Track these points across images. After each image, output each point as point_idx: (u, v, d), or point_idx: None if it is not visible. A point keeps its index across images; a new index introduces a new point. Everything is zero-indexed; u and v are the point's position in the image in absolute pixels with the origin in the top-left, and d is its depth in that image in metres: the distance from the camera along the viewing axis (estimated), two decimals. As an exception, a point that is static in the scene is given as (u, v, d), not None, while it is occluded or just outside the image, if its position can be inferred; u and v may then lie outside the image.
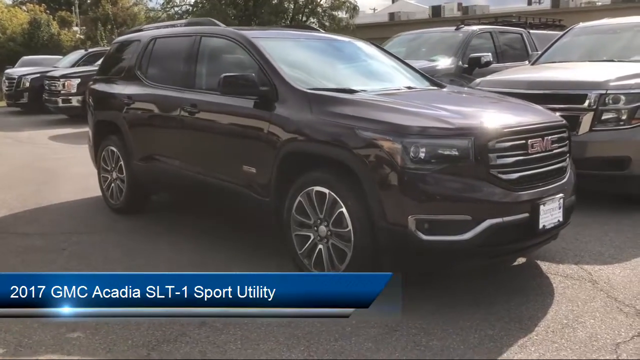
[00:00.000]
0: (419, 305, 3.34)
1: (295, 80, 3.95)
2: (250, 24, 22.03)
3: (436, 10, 35.48)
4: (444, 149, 3.19)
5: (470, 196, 3.19)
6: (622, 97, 5.20)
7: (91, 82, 6.21)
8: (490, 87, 5.61)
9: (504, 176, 3.28)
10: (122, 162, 5.41)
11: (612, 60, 6.28)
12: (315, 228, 3.62)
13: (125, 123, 5.27)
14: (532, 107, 3.99)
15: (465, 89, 4.61)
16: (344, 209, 3.41)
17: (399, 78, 4.64)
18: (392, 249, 3.30)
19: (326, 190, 3.50)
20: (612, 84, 5.26)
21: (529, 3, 45.13)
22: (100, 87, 5.90)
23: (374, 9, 49.65)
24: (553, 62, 6.75)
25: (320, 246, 3.61)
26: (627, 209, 5.27)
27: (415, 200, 3.17)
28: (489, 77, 6.32)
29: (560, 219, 3.55)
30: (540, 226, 3.39)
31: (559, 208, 3.53)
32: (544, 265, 4.01)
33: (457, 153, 3.19)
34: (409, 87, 4.37)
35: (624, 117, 5.17)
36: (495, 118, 3.50)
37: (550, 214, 3.45)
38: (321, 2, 23.50)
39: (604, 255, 4.21)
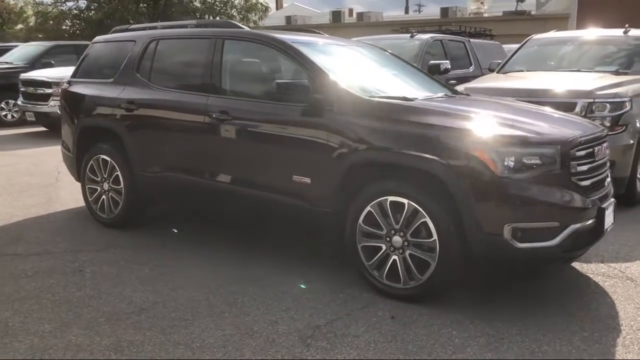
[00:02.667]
0: (500, 312, 3.41)
1: (351, 88, 3.85)
2: (162, 20, 21.17)
3: (336, 16, 36.13)
4: (535, 157, 3.26)
5: (558, 203, 3.29)
6: (608, 105, 5.61)
7: (66, 85, 5.66)
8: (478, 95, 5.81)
9: (581, 183, 3.42)
10: (118, 173, 4.99)
11: (579, 71, 6.75)
12: (388, 239, 3.56)
13: (127, 130, 4.86)
14: (573, 117, 4.18)
15: (492, 97, 4.73)
16: (427, 219, 3.38)
17: (431, 85, 4.67)
18: (486, 258, 3.32)
19: (404, 200, 3.46)
20: (598, 92, 5.65)
21: (406, 12, 47.36)
22: (82, 90, 5.40)
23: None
24: (521, 71, 7.13)
25: (394, 257, 3.55)
26: (630, 210, 5.66)
27: (511, 209, 3.22)
28: (471, 85, 6.54)
29: (612, 221, 3.76)
30: (605, 229, 3.58)
31: (613, 211, 3.74)
32: (577, 266, 4.22)
33: (546, 161, 3.28)
34: (447, 95, 4.41)
35: (608, 124, 5.56)
36: (568, 127, 3.64)
37: (609, 217, 3.65)
38: (235, 3, 23.11)
39: (621, 253, 4.50)
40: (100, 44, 5.59)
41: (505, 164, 3.21)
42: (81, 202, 5.94)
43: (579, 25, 23.52)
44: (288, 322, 3.29)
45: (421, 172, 3.40)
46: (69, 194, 6.41)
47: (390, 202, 3.51)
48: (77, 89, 5.46)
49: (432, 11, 49.88)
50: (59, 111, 11.13)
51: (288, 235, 4.59)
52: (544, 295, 3.71)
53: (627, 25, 7.23)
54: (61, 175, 7.45)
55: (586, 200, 3.41)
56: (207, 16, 23.78)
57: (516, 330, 3.20)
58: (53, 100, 11.20)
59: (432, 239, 3.38)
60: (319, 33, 5.26)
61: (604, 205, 3.54)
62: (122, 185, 4.99)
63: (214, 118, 4.28)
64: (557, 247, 3.29)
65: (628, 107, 5.65)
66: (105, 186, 5.13)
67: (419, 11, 54.74)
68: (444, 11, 35.29)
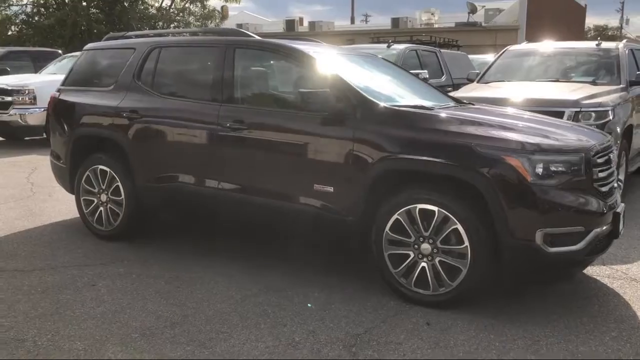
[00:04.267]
0: (528, 315, 3.51)
1: (373, 96, 3.90)
2: (116, 28, 20.67)
3: (290, 25, 36.22)
4: (563, 164, 3.38)
5: (583, 208, 3.42)
6: (593, 114, 5.86)
7: (56, 93, 5.47)
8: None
9: (601, 189, 3.57)
10: (118, 184, 4.85)
11: (558, 81, 7.03)
12: (416, 246, 3.61)
13: (130, 139, 4.74)
14: (584, 126, 4.36)
15: (499, 107, 4.85)
16: (459, 226, 3.44)
17: (437, 94, 4.77)
18: (518, 263, 3.41)
19: (434, 208, 3.51)
20: (583, 102, 5.90)
21: (352, 21, 48.02)
22: (76, 98, 5.23)
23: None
24: (501, 81, 7.35)
25: (423, 264, 3.60)
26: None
27: (543, 214, 3.32)
28: (458, 95, 6.69)
29: (623, 226, 3.93)
30: (619, 232, 3.74)
31: (624, 215, 3.91)
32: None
33: (572, 168, 3.41)
34: (458, 104, 4.51)
35: (593, 132, 5.79)
36: (586, 136, 3.78)
37: (623, 221, 3.81)
38: (193, 10, 22.83)
39: (618, 256, 4.69)
40: (93, 52, 5.43)
41: (537, 171, 3.32)
42: (67, 215, 5.79)
43: (528, 36, 24.42)
44: (327, 331, 3.28)
45: (453, 179, 3.47)
46: (51, 207, 6.19)
47: (420, 209, 3.56)
48: (70, 97, 5.28)
49: (379, 22, 50.77)
50: (20, 120, 10.92)
51: (302, 245, 4.56)
52: (562, 298, 3.82)
53: (598, 39, 7.57)
54: (36, 188, 7.20)
55: (605, 206, 3.55)
56: (161, 23, 23.40)
57: (549, 332, 3.30)
58: (14, 108, 10.77)
59: (464, 246, 3.45)
60: (317, 42, 5.29)
61: (618, 210, 3.70)
62: (122, 196, 4.85)
63: (227, 127, 4.23)
64: (582, 251, 3.42)
65: (611, 116, 5.91)
66: (103, 197, 4.98)
67: (366, 21, 55.67)
68: (395, 21, 35.84)
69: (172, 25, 22.46)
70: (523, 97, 6.16)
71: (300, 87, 4.12)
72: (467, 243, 3.43)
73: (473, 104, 4.72)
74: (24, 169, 8.51)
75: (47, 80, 11.19)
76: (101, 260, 4.51)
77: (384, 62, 5.19)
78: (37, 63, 13.67)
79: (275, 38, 5.04)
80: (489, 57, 15.94)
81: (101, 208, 5.00)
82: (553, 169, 3.36)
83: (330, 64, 4.15)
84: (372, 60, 5.02)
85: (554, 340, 3.21)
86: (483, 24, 27.28)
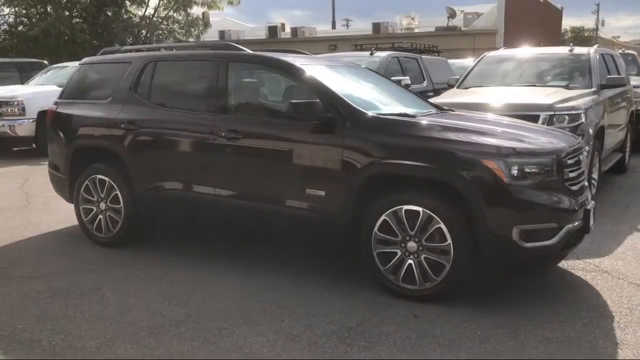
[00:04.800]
0: (508, 307, 3.80)
1: (360, 106, 4.17)
2: (100, 37, 20.79)
3: (272, 31, 36.48)
4: (536, 166, 3.68)
5: (556, 206, 3.72)
6: (566, 117, 6.18)
7: (54, 106, 5.67)
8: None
9: (572, 188, 3.87)
10: (117, 192, 5.07)
11: (534, 85, 7.37)
12: (403, 244, 3.88)
13: (127, 149, 4.96)
14: (556, 130, 4.67)
15: (475, 113, 5.15)
16: (442, 225, 3.72)
17: (419, 102, 5.06)
18: (496, 257, 3.70)
19: (419, 209, 3.79)
20: (557, 106, 6.23)
21: (333, 26, 48.41)
22: (74, 111, 5.44)
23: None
24: (480, 87, 7.67)
25: (409, 261, 3.87)
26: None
27: (518, 212, 3.61)
28: (439, 101, 6.99)
29: (593, 221, 4.24)
30: (590, 228, 4.04)
31: (594, 212, 4.22)
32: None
33: (545, 169, 3.71)
34: (439, 111, 4.80)
35: (567, 134, 6.13)
36: (557, 139, 4.09)
37: (593, 217, 4.12)
38: (178, 19, 22.96)
39: (591, 250, 5.00)
40: (89, 65, 5.64)
41: (512, 172, 3.61)
42: (66, 223, 5.98)
43: (507, 40, 24.95)
44: (322, 325, 3.54)
45: (436, 182, 3.75)
46: (49, 216, 6.37)
47: (405, 210, 3.83)
48: (68, 110, 5.49)
49: (359, 26, 51.16)
50: (9, 131, 11.04)
51: (296, 247, 4.81)
52: (538, 290, 4.12)
53: (571, 44, 7.93)
54: (31, 198, 7.36)
55: (576, 203, 3.86)
56: (144, 32, 23.53)
57: (526, 322, 3.58)
58: (2, 120, 10.88)
59: (447, 243, 3.72)
60: (304, 53, 5.55)
61: (588, 207, 4.01)
62: (121, 205, 5.06)
63: (222, 137, 4.47)
64: (556, 246, 3.72)
65: (583, 119, 6.25)
66: (102, 206, 5.19)
67: (347, 26, 56.06)
68: (376, 26, 36.19)
69: (155, 34, 22.59)
70: (501, 102, 6.46)
71: (291, 98, 4.38)
72: (449, 240, 3.71)
73: (453, 111, 5.01)
74: (16, 180, 8.66)
75: (35, 91, 11.33)
76: (103, 266, 4.72)
77: (368, 72, 5.48)
78: (24, 74, 13.76)
79: (259, 45, 5.30)
80: (468, 62, 16.35)
81: (100, 216, 5.21)
82: (527, 170, 3.65)
83: (319, 75, 4.41)
84: (357, 71, 5.30)
85: (531, 328, 3.49)
86: (462, 28, 27.81)
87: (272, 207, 4.35)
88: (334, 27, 48.67)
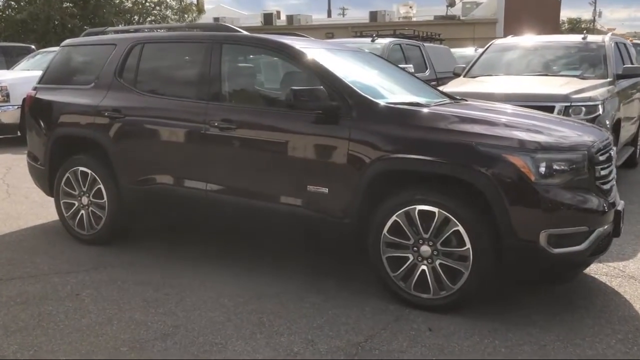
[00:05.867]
0: (530, 318, 3.42)
1: (368, 94, 3.76)
2: (91, 23, 20.21)
3: (268, 18, 35.90)
4: (566, 163, 3.29)
5: (587, 207, 3.33)
6: (583, 109, 5.80)
7: (33, 92, 5.23)
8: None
9: (603, 187, 3.49)
10: (101, 186, 4.65)
11: (546, 75, 6.98)
12: (416, 249, 3.49)
13: (111, 140, 4.54)
14: (583, 123, 4.28)
15: (493, 103, 4.75)
16: (460, 228, 3.33)
17: (430, 90, 4.66)
18: (521, 265, 3.31)
19: (434, 209, 3.39)
20: (574, 96, 5.84)
21: (329, 15, 47.83)
22: (54, 97, 5.00)
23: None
24: (489, 75, 7.27)
25: (423, 267, 3.48)
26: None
27: (547, 215, 3.22)
28: (447, 90, 6.59)
29: (623, 223, 3.86)
30: (620, 231, 3.66)
31: (624, 213, 3.84)
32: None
33: (576, 166, 3.32)
34: (453, 101, 4.40)
35: (584, 127, 5.74)
36: (586, 133, 3.70)
37: (623, 219, 3.74)
38: (171, 4, 22.42)
39: (613, 252, 4.61)
40: (71, 48, 5.19)
41: (539, 170, 3.21)
42: (46, 218, 5.57)
43: (506, 29, 24.56)
44: (326, 340, 3.15)
45: (454, 180, 3.35)
46: (29, 209, 5.95)
47: (419, 211, 3.44)
48: (48, 95, 5.05)
49: (355, 15, 50.61)
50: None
51: (294, 248, 4.42)
52: (562, 299, 3.74)
53: (585, 32, 7.54)
54: (12, 189, 6.93)
55: (607, 204, 3.47)
56: (136, 17, 22.97)
57: (554, 337, 3.20)
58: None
59: (465, 248, 3.34)
60: (303, 36, 5.13)
61: (619, 208, 3.63)
62: (105, 199, 4.65)
63: (215, 126, 4.06)
64: (586, 251, 3.33)
65: (601, 110, 5.86)
66: (85, 200, 4.78)
67: (343, 15, 55.40)
68: (373, 15, 35.74)
69: (148, 20, 22.03)
70: (512, 91, 6.08)
71: (292, 84, 3.97)
72: (468, 245, 3.32)
73: (466, 100, 4.61)
74: (-1, 170, 8.22)
75: (21, 77, 10.85)
76: (84, 266, 4.31)
77: (373, 57, 5.06)
78: (10, 58, 13.27)
79: (255, 32, 4.88)
80: (468, 51, 15.97)
81: (82, 211, 4.80)
82: (556, 167, 3.26)
83: (322, 59, 4.00)
84: (362, 56, 4.88)
85: (560, 345, 3.12)
86: (461, 18, 27.35)
87: (270, 204, 3.94)
88: (329, 15, 48.10)
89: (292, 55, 4.01)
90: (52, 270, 4.22)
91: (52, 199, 5.13)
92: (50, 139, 4.91)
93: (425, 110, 3.70)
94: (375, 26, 28.73)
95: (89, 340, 3.16)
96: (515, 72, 7.27)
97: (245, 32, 4.37)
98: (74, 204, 4.85)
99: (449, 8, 27.31)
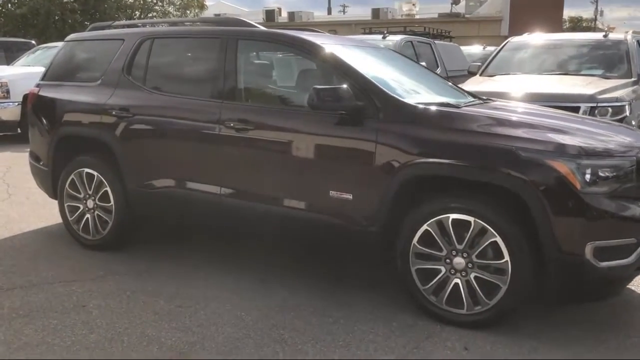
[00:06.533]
0: (571, 336, 3.18)
1: (396, 94, 3.52)
2: (92, 18, 19.93)
3: (270, 15, 35.65)
4: (613, 170, 3.05)
5: (636, 217, 3.09)
6: (610, 110, 5.57)
7: (36, 88, 4.98)
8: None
9: (651, 195, 3.24)
10: (107, 188, 4.41)
11: (567, 74, 6.73)
12: (448, 260, 3.25)
13: (119, 140, 4.29)
14: (620, 125, 4.04)
15: (517, 103, 4.52)
16: (498, 239, 3.09)
17: (454, 90, 4.41)
18: (564, 279, 3.07)
19: (470, 218, 3.15)
20: (599, 97, 5.61)
21: (329, 12, 47.55)
22: (58, 94, 4.75)
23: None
24: (506, 74, 7.03)
25: (456, 280, 3.24)
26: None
27: (593, 226, 2.98)
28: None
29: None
30: (665, 242, 3.42)
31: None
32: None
33: (623, 173, 3.07)
34: (482, 101, 4.16)
35: (610, 128, 5.51)
36: (632, 137, 3.45)
37: (667, 229, 3.49)
38: (174, 0, 22.13)
39: None
40: (76, 43, 4.94)
41: (586, 177, 2.97)
42: (49, 220, 5.33)
43: (512, 28, 24.33)
44: (355, 361, 2.91)
45: (492, 187, 3.11)
46: (31, 211, 5.71)
47: (453, 220, 3.20)
48: (52, 93, 4.80)
49: (356, 12, 50.19)
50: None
51: (314, 255, 4.18)
52: (603, 314, 3.50)
53: (606, 29, 7.29)
54: (13, 189, 6.67)
55: (654, 213, 3.23)
56: (138, 13, 22.68)
57: (601, 356, 2.97)
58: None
59: (503, 261, 3.10)
60: (316, 31, 4.88)
61: (664, 217, 3.38)
62: (112, 203, 4.41)
63: (230, 127, 3.81)
64: (633, 265, 3.09)
65: (627, 112, 5.63)
66: (90, 204, 4.53)
67: (344, 12, 55.07)
68: (375, 12, 35.47)
69: (150, 15, 21.74)
70: (535, 91, 5.85)
71: (307, 82, 3.73)
72: (507, 257, 3.08)
73: (493, 100, 4.37)
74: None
75: (21, 73, 10.59)
76: (90, 274, 4.07)
77: (394, 54, 4.82)
78: (10, 54, 13.01)
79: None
80: (474, 48, 15.73)
81: (88, 215, 4.55)
82: (602, 174, 3.02)
83: (347, 57, 3.75)
84: (384, 52, 4.64)
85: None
86: (466, 15, 27.09)
87: (288, 210, 3.70)
88: (329, 12, 47.85)
89: (315, 52, 3.76)
90: (56, 279, 3.97)
91: (55, 201, 4.88)
92: (54, 138, 4.66)
93: (458, 111, 3.46)
94: (378, 23, 28.46)
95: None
96: (534, 71, 7.03)
97: (262, 27, 4.12)
98: (78, 208, 4.60)
99: (454, 5, 27.04)
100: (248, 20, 4.16)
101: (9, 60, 12.63)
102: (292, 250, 4.33)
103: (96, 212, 4.51)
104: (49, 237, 4.93)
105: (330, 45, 3.83)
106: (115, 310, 3.48)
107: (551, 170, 2.97)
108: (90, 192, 4.51)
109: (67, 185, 4.62)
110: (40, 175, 4.92)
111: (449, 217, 3.21)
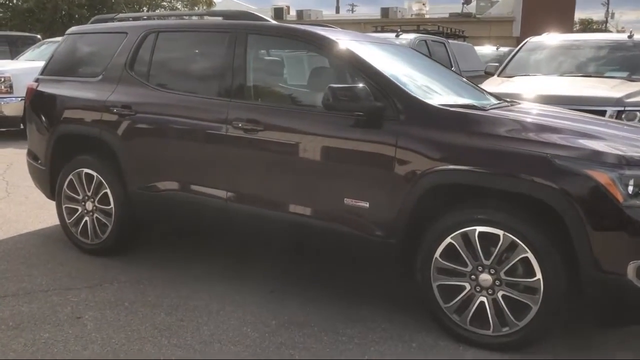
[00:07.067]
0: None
1: (418, 94, 3.26)
2: (100, 12, 19.73)
3: (278, 12, 35.38)
4: (658, 180, 2.77)
5: (682, 234, 2.81)
6: (638, 114, 5.28)
7: (34, 84, 4.74)
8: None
9: (697, 210, 2.96)
10: (107, 190, 4.16)
11: (590, 76, 6.44)
12: (474, 277, 2.98)
13: (120, 139, 4.05)
14: None
15: (539, 105, 4.24)
16: (529, 255, 2.82)
17: (476, 90, 4.14)
18: (603, 301, 2.80)
19: (499, 232, 2.89)
20: (627, 100, 5.32)
21: (337, 11, 47.24)
22: (57, 90, 4.51)
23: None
24: (526, 76, 6.74)
25: (481, 298, 2.98)
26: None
27: (637, 243, 2.70)
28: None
29: None
30: None
31: None
32: None
33: (669, 184, 2.79)
34: (508, 103, 3.88)
35: (637, 134, 5.22)
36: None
37: None
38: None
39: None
40: (77, 36, 4.69)
41: (629, 189, 2.70)
42: (47, 221, 5.10)
43: (524, 28, 23.98)
44: (373, 387, 2.65)
45: (524, 198, 2.84)
46: (28, 211, 5.47)
47: (480, 233, 2.93)
48: (50, 88, 4.56)
49: (364, 11, 49.88)
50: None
51: (322, 265, 3.93)
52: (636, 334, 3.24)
53: (630, 30, 7.01)
54: (12, 188, 6.45)
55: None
56: (146, 9, 22.47)
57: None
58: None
59: (535, 279, 2.83)
60: (329, 27, 4.61)
61: None
62: (112, 205, 4.16)
63: (238, 127, 3.56)
64: (677, 286, 2.81)
65: (656, 117, 5.34)
66: (89, 206, 4.29)
67: (352, 11, 54.75)
68: (384, 11, 35.13)
69: (158, 10, 21.53)
70: (558, 93, 5.57)
71: (319, 81, 3.48)
72: (539, 275, 2.81)
73: (519, 103, 4.10)
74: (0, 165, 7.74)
75: (25, 67, 10.34)
76: (87, 281, 3.82)
77: (415, 53, 4.54)
78: (15, 48, 12.80)
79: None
80: (485, 49, 15.42)
81: (86, 218, 4.31)
82: (646, 185, 2.74)
83: (364, 54, 3.48)
84: (404, 50, 4.37)
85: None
86: (477, 16, 26.73)
87: (297, 217, 3.44)
88: (337, 11, 47.57)
89: (330, 49, 3.49)
90: (51, 286, 3.73)
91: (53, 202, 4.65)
92: (53, 136, 4.42)
93: (485, 114, 3.19)
94: (388, 22, 28.15)
95: (91, 380, 2.67)
96: (554, 72, 6.74)
97: (273, 22, 3.86)
98: (77, 210, 4.36)
99: (465, 5, 26.68)
100: (258, 14, 3.91)
101: (14, 54, 12.43)
102: (303, 260, 4.07)
103: (95, 214, 4.27)
104: (46, 239, 4.69)
105: (347, 42, 3.57)
106: (112, 323, 3.23)
107: (590, 181, 2.70)
108: (89, 194, 4.27)
109: (65, 186, 4.38)
110: (38, 174, 4.69)
111: (475, 229, 2.94)
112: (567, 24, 34.96)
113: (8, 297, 3.57)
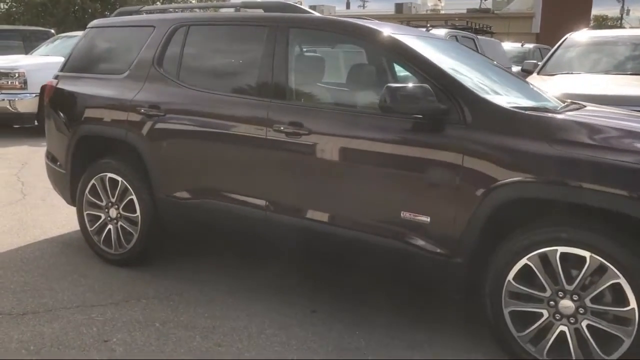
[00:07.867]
0: None
1: (487, 96, 2.91)
2: (113, 7, 19.47)
3: (290, 7, 35.09)
4: None
5: None
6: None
7: (54, 80, 4.42)
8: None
9: None
10: (133, 197, 3.84)
11: (638, 74, 6.05)
12: (553, 303, 2.64)
13: (147, 142, 3.73)
14: None
15: (607, 107, 3.89)
16: (622, 280, 2.47)
17: (533, 91, 3.77)
18: None
19: (585, 253, 2.53)
20: (687, 102, 4.93)
21: (348, 7, 46.79)
22: (78, 87, 4.20)
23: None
24: (568, 74, 6.37)
25: (562, 328, 2.63)
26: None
27: None
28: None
29: None
30: None
31: None
32: None
33: None
34: (574, 105, 3.52)
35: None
36: None
37: None
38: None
39: None
40: (100, 30, 4.37)
41: None
42: (66, 227, 4.80)
43: (544, 24, 23.50)
44: None
45: (616, 215, 2.48)
46: (46, 214, 5.17)
47: (562, 253, 2.58)
48: (71, 86, 4.24)
49: (375, 7, 49.44)
50: (9, 107, 9.80)
51: (374, 287, 3.59)
52: None
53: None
54: (28, 189, 6.14)
55: None
56: (159, 3, 22.15)
57: None
58: (1, 93, 9.61)
59: (628, 308, 2.48)
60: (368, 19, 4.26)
61: None
62: (138, 213, 3.84)
63: (280, 131, 3.22)
64: None
65: None
66: (113, 213, 3.97)
67: (363, 7, 54.25)
68: (398, 7, 34.68)
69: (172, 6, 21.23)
70: (609, 93, 5.20)
71: (360, 80, 3.14)
72: (634, 305, 2.46)
73: (585, 105, 3.73)
74: (12, 164, 7.44)
75: (39, 63, 10.08)
76: (112, 297, 3.51)
77: (465, 48, 4.19)
78: (28, 43, 12.53)
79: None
80: (507, 45, 15.00)
81: (110, 226, 4.00)
82: None
83: (424, 51, 3.13)
84: (454, 46, 4.01)
85: None
86: (495, 12, 26.27)
87: (345, 232, 3.10)
88: (348, 7, 47.12)
89: (385, 45, 3.15)
90: (74, 303, 3.41)
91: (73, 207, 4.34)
92: (73, 137, 4.10)
93: (566, 118, 2.83)
94: (402, 18, 27.69)
95: (125, 421, 2.35)
96: (599, 70, 6.37)
97: (317, 14, 3.52)
98: (100, 217, 4.05)
99: (483, 1, 26.22)
100: (299, 6, 3.57)
101: (27, 49, 12.15)
102: (351, 277, 3.73)
103: (120, 222, 3.95)
104: (65, 248, 4.38)
105: (403, 36, 3.22)
106: (142, 348, 2.92)
107: (698, 198, 2.34)
108: (113, 200, 3.96)
109: (87, 191, 4.07)
110: (57, 178, 4.38)
111: (556, 250, 2.59)
112: (584, 20, 34.40)
113: (28, 314, 3.25)
